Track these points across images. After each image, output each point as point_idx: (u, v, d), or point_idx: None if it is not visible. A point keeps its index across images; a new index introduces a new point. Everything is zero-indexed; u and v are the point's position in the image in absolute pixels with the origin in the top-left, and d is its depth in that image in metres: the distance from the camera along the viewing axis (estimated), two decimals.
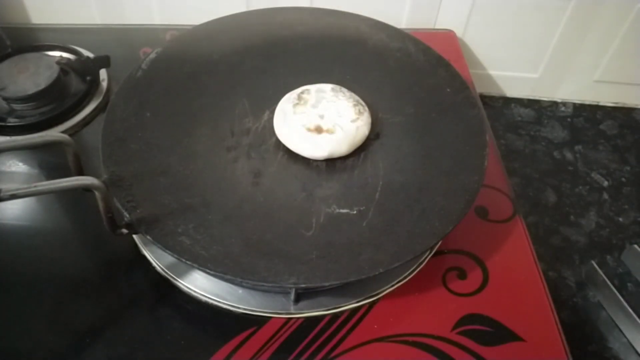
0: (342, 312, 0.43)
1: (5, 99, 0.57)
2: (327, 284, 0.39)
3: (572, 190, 0.63)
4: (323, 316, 0.42)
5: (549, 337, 0.41)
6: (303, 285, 0.38)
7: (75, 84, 0.60)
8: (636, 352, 0.47)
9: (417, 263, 0.45)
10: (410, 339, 0.41)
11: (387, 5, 0.69)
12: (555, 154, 0.68)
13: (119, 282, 0.45)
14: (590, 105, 0.74)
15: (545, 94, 0.75)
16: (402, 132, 0.50)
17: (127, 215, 0.41)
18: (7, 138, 0.53)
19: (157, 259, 0.45)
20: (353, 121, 0.47)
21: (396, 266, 0.39)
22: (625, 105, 0.74)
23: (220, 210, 0.43)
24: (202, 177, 0.45)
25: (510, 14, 0.68)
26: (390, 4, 0.70)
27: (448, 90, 0.52)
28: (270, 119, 0.50)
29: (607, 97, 0.74)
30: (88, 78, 0.60)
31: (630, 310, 0.48)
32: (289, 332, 0.41)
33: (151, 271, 0.45)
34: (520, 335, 0.41)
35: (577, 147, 0.68)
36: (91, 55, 0.62)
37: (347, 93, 0.50)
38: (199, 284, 0.43)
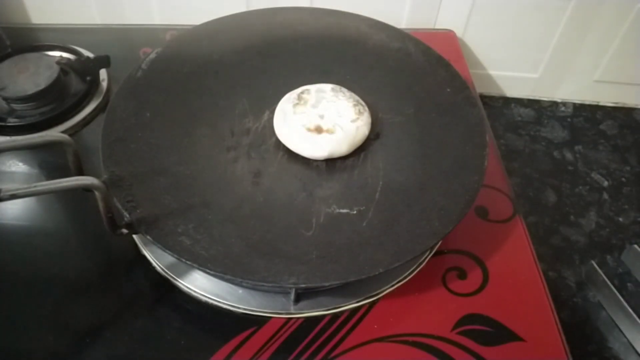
0: (342, 312, 0.43)
1: (5, 99, 0.57)
2: (327, 284, 0.39)
3: (572, 190, 0.63)
4: (323, 316, 0.42)
5: (549, 337, 0.41)
6: (303, 285, 0.38)
7: (75, 84, 0.60)
8: (636, 352, 0.47)
9: (417, 263, 0.45)
10: (410, 339, 0.41)
11: (387, 5, 0.69)
12: (555, 154, 0.68)
13: (119, 282, 0.45)
14: (590, 105, 0.74)
15: (545, 94, 0.75)
16: (402, 132, 0.50)
17: (127, 215, 0.41)
18: (7, 138, 0.53)
19: (157, 259, 0.45)
20: (353, 121, 0.47)
21: (396, 266, 0.39)
22: (625, 105, 0.74)
23: (220, 210, 0.43)
24: (202, 177, 0.45)
25: (510, 14, 0.68)
26: (390, 4, 0.70)
27: (448, 90, 0.52)
28: (270, 119, 0.50)
29: (607, 97, 0.74)
30: (88, 78, 0.60)
31: (630, 310, 0.48)
32: (289, 332, 0.41)
33: (151, 271, 0.45)
34: (520, 335, 0.41)
35: (577, 147, 0.68)
36: (91, 55, 0.62)
37: (347, 93, 0.50)
38: (199, 284, 0.43)
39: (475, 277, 0.45)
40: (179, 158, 0.46)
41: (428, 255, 0.46)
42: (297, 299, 0.42)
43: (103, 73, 0.62)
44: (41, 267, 0.45)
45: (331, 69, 0.55)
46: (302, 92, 0.49)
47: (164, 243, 0.39)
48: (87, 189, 0.38)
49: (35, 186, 0.36)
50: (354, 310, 0.43)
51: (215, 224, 0.42)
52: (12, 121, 0.56)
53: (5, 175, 0.53)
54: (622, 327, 0.49)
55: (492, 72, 0.75)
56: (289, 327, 0.42)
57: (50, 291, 0.44)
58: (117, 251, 0.47)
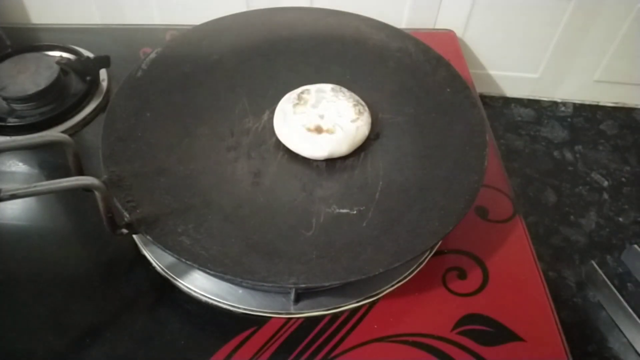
0: (342, 312, 0.43)
1: (5, 99, 0.57)
2: (327, 284, 0.39)
3: (572, 190, 0.63)
4: (323, 316, 0.42)
5: (549, 337, 0.41)
6: (303, 285, 0.38)
7: (75, 84, 0.60)
8: (636, 352, 0.47)
9: (417, 263, 0.45)
10: (410, 339, 0.41)
11: (387, 5, 0.69)
12: (555, 154, 0.68)
13: (119, 282, 0.45)
14: (590, 105, 0.74)
15: (545, 94, 0.75)
16: (402, 132, 0.50)
17: (127, 215, 0.41)
18: (7, 138, 0.53)
19: (157, 259, 0.45)
20: (353, 121, 0.47)
21: (396, 266, 0.39)
22: (625, 105, 0.74)
23: (220, 210, 0.43)
24: (202, 177, 0.45)
25: (510, 14, 0.68)
26: (390, 4, 0.70)
27: (448, 90, 0.52)
28: (270, 119, 0.50)
29: (607, 97, 0.74)
30: (88, 78, 0.60)
31: (630, 310, 0.48)
32: (289, 332, 0.41)
33: (151, 271, 0.45)
34: (520, 335, 0.41)
35: (577, 147, 0.68)
36: (91, 55, 0.62)
37: (347, 93, 0.50)
38: (199, 284, 0.43)
39: (475, 277, 0.45)
40: (179, 158, 0.46)
41: (428, 255, 0.46)
42: (297, 299, 0.42)
43: (103, 73, 0.62)
44: (41, 267, 0.45)
45: (331, 69, 0.55)
46: (302, 92, 0.49)
47: (164, 243, 0.39)
48: (87, 189, 0.38)
49: (35, 186, 0.36)
50: (354, 310, 0.43)
51: (215, 224, 0.42)
52: (12, 121, 0.56)
53: (5, 175, 0.53)
54: (622, 327, 0.49)
55: (492, 72, 0.75)
56: (289, 327, 0.42)
57: (50, 291, 0.44)
58: (117, 251, 0.47)
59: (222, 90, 0.53)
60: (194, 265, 0.38)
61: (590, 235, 0.58)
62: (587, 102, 0.75)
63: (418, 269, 0.45)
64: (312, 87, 0.50)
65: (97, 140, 0.46)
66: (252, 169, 0.46)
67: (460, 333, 0.41)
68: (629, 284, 0.53)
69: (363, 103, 0.49)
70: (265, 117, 0.51)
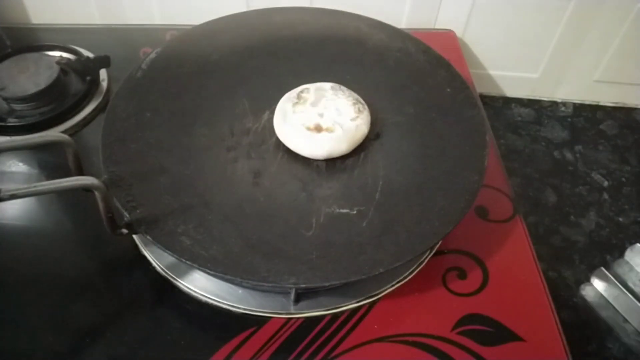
0: (342, 312, 0.43)
1: (5, 99, 0.57)
2: (327, 284, 0.39)
3: (572, 190, 0.63)
4: (323, 316, 0.42)
5: (549, 337, 0.41)
6: (303, 285, 0.38)
7: (75, 84, 0.60)
8: None
9: (417, 263, 0.45)
10: (410, 339, 0.41)
11: (387, 5, 0.69)
12: (555, 154, 0.68)
13: (119, 282, 0.45)
14: (590, 105, 0.74)
15: (545, 94, 0.75)
16: (402, 132, 0.50)
17: (127, 215, 0.41)
18: (7, 138, 0.53)
19: (157, 259, 0.45)
20: (353, 120, 0.47)
21: (396, 266, 0.39)
22: (625, 105, 0.74)
23: (220, 210, 0.43)
24: (202, 177, 0.45)
25: (510, 14, 0.68)
26: (390, 4, 0.70)
27: (448, 90, 0.52)
28: (270, 118, 0.50)
29: (607, 97, 0.74)
30: (88, 78, 0.60)
31: None
32: (289, 332, 0.41)
33: (151, 271, 0.45)
34: (520, 335, 0.41)
35: (577, 147, 0.68)
36: (91, 55, 0.62)
37: (347, 91, 0.50)
38: (199, 284, 0.43)
39: (475, 277, 0.45)
40: (179, 158, 0.46)
41: (428, 255, 0.46)
42: (297, 299, 0.42)
43: (103, 73, 0.62)
44: (41, 267, 0.45)
45: (331, 68, 0.55)
46: (301, 91, 0.49)
47: (164, 243, 0.39)
48: (87, 189, 0.38)
49: (35, 186, 0.36)
50: (354, 310, 0.43)
51: (215, 224, 0.42)
52: (12, 121, 0.56)
53: (5, 175, 0.53)
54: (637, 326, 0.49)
55: (492, 72, 0.75)
56: (289, 327, 0.42)
57: (50, 291, 0.44)
58: (117, 251, 0.47)
59: (222, 90, 0.53)
60: (194, 265, 0.38)
61: (590, 235, 0.58)
62: (587, 102, 0.75)
63: (418, 269, 0.45)
64: (312, 86, 0.50)
65: (97, 140, 0.46)
66: (252, 169, 0.46)
67: (460, 333, 0.41)
68: (629, 284, 0.53)
69: (362, 102, 0.49)
70: (265, 116, 0.50)
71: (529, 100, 0.75)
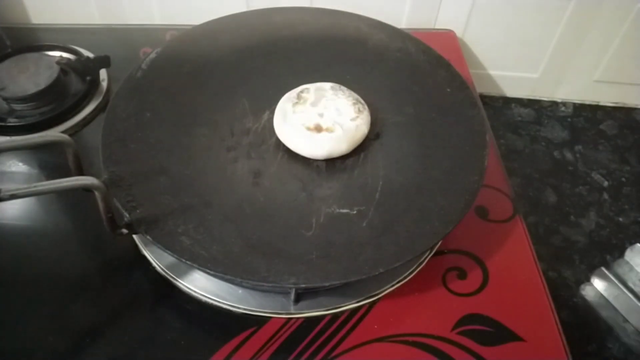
0: (342, 312, 0.43)
1: (5, 99, 0.57)
2: (327, 284, 0.39)
3: (572, 190, 0.63)
4: (323, 316, 0.42)
5: (549, 337, 0.41)
6: (303, 285, 0.38)
7: (75, 84, 0.60)
8: None
9: (417, 263, 0.45)
10: (410, 339, 0.41)
11: (387, 5, 0.69)
12: (555, 154, 0.68)
13: (119, 282, 0.45)
14: (590, 105, 0.74)
15: (545, 94, 0.75)
16: (402, 132, 0.50)
17: (127, 215, 0.41)
18: (7, 138, 0.53)
19: (157, 259, 0.45)
20: (352, 119, 0.47)
21: (396, 266, 0.39)
22: (625, 105, 0.74)
23: (220, 210, 0.43)
24: (202, 177, 0.45)
25: (510, 14, 0.68)
26: (390, 4, 0.70)
27: (448, 90, 0.52)
28: (270, 118, 0.50)
29: (607, 97, 0.74)
30: (88, 78, 0.60)
31: None
32: (289, 332, 0.41)
33: (151, 271, 0.45)
34: (520, 335, 0.41)
35: (577, 147, 0.68)
36: (91, 55, 0.62)
37: (347, 91, 0.50)
38: (199, 284, 0.43)
39: (475, 277, 0.45)
40: (179, 158, 0.46)
41: (428, 255, 0.46)
42: (297, 299, 0.42)
43: (103, 73, 0.62)
44: (41, 267, 0.45)
45: (331, 68, 0.55)
46: (301, 91, 0.49)
47: (164, 243, 0.39)
48: (87, 189, 0.38)
49: (35, 186, 0.36)
50: (354, 310, 0.43)
51: (215, 224, 0.42)
52: (12, 121, 0.56)
53: (5, 175, 0.53)
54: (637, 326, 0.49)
55: (492, 72, 0.75)
56: (289, 327, 0.42)
57: (51, 291, 0.44)
58: (117, 251, 0.47)
59: (222, 90, 0.53)
60: (194, 265, 0.38)
61: (590, 235, 0.58)
62: (587, 102, 0.75)
63: (418, 269, 0.45)
64: (312, 86, 0.50)
65: (97, 140, 0.46)
66: (252, 169, 0.46)
67: (460, 333, 0.41)
68: (630, 284, 0.53)
69: (362, 101, 0.49)
70: (265, 116, 0.50)
71: (529, 100, 0.75)
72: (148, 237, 0.40)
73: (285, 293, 0.43)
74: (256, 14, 0.61)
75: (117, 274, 0.46)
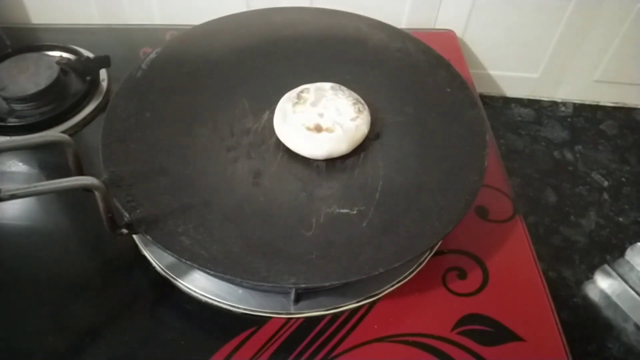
0: (342, 312, 0.43)
1: (5, 99, 0.57)
2: (327, 284, 0.38)
3: (572, 190, 0.63)
4: (323, 316, 0.42)
5: (549, 337, 0.41)
6: (303, 285, 0.38)
7: (75, 84, 0.60)
8: None
9: (417, 263, 0.45)
10: (410, 339, 0.41)
11: (387, 5, 0.69)
12: (555, 154, 0.68)
13: (119, 282, 0.45)
14: (590, 105, 0.74)
15: (545, 94, 0.75)
16: (402, 132, 0.50)
17: (127, 215, 0.41)
18: (7, 138, 0.53)
19: (157, 259, 0.45)
20: (353, 119, 0.47)
21: (396, 266, 0.39)
22: (625, 105, 0.74)
23: (220, 210, 0.43)
24: (202, 177, 0.45)
25: (510, 14, 0.68)
26: (390, 4, 0.70)
27: (448, 90, 0.52)
28: (270, 118, 0.50)
29: (607, 97, 0.74)
30: (88, 78, 0.60)
31: None
32: (289, 332, 0.41)
33: (151, 271, 0.45)
34: (520, 335, 0.41)
35: (577, 147, 0.68)
36: (91, 55, 0.62)
37: (347, 91, 0.50)
38: (199, 284, 0.43)
39: (475, 277, 0.45)
40: (179, 158, 0.46)
41: (428, 255, 0.46)
42: (297, 299, 0.42)
43: (103, 73, 0.62)
44: (41, 267, 0.45)
45: (331, 68, 0.55)
46: (301, 91, 0.49)
47: (164, 243, 0.39)
48: (87, 189, 0.38)
49: (35, 186, 0.36)
50: (354, 310, 0.43)
51: (215, 224, 0.42)
52: (12, 121, 0.56)
53: (5, 175, 0.53)
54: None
55: (492, 72, 0.75)
56: (289, 327, 0.42)
57: (50, 291, 0.44)
58: (117, 251, 0.47)
59: (222, 90, 0.53)
60: (194, 265, 0.38)
61: (590, 235, 0.58)
62: (587, 102, 0.75)
63: (418, 269, 0.45)
64: (312, 86, 0.50)
65: (97, 140, 0.46)
66: (252, 169, 0.46)
67: (460, 333, 0.41)
68: (630, 283, 0.53)
69: (362, 101, 0.49)
70: (265, 116, 0.50)
71: (529, 100, 0.75)
72: (148, 237, 0.40)
73: (285, 293, 0.43)
74: (256, 14, 0.61)
75: (117, 274, 0.46)
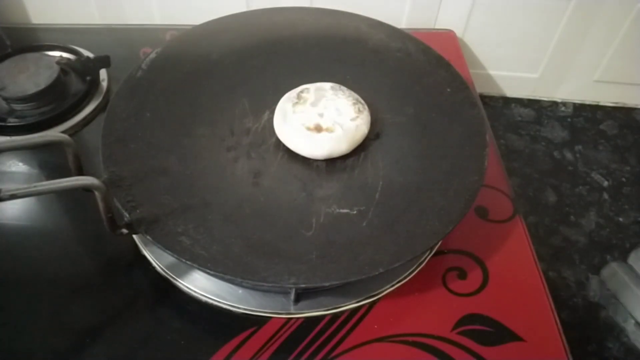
0: (342, 312, 0.43)
1: (5, 99, 0.57)
2: (327, 284, 0.38)
3: (572, 190, 0.63)
4: (323, 316, 0.42)
5: (549, 337, 0.41)
6: (303, 285, 0.38)
7: (75, 84, 0.60)
8: None
9: (417, 263, 0.45)
10: (410, 339, 0.41)
11: (387, 5, 0.69)
12: (555, 154, 0.68)
13: (119, 282, 0.45)
14: (590, 105, 0.74)
15: (545, 94, 0.75)
16: (402, 132, 0.50)
17: (127, 215, 0.41)
18: (7, 138, 0.53)
19: (157, 259, 0.45)
20: (353, 119, 0.47)
21: (396, 266, 0.39)
22: (625, 105, 0.74)
23: (220, 210, 0.43)
24: (202, 177, 0.45)
25: (510, 14, 0.68)
26: (390, 4, 0.70)
27: (448, 90, 0.52)
28: (270, 118, 0.50)
29: (607, 97, 0.74)
30: (88, 78, 0.60)
31: None
32: (289, 332, 0.41)
33: (151, 271, 0.45)
34: (520, 335, 0.41)
35: (577, 147, 0.68)
36: (91, 55, 0.62)
37: (347, 91, 0.50)
38: (199, 284, 0.43)
39: (475, 277, 0.45)
40: (179, 158, 0.46)
41: (428, 255, 0.46)
42: (297, 299, 0.42)
43: (103, 73, 0.62)
44: (41, 267, 0.45)
45: (331, 68, 0.55)
46: (301, 91, 0.49)
47: (164, 243, 0.39)
48: (87, 189, 0.38)
49: (35, 186, 0.36)
50: (354, 310, 0.43)
51: (215, 224, 0.42)
52: (12, 121, 0.56)
53: (5, 175, 0.53)
54: None
55: (492, 72, 0.75)
56: (289, 327, 0.42)
57: (50, 291, 0.44)
58: (117, 251, 0.47)
59: (222, 90, 0.53)
60: (194, 265, 0.38)
61: (590, 235, 0.59)
62: (587, 102, 0.75)
63: (418, 269, 0.45)
64: (312, 86, 0.50)
65: (97, 140, 0.46)
66: (252, 169, 0.46)
67: (460, 333, 0.41)
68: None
69: (362, 101, 0.49)
70: (265, 116, 0.50)
71: (529, 100, 0.75)
72: (148, 237, 0.40)
73: (285, 293, 0.43)
74: (256, 14, 0.61)
75: (117, 274, 0.46)
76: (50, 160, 0.54)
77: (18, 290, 0.44)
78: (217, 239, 0.40)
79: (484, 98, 0.75)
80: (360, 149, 0.48)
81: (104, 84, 0.61)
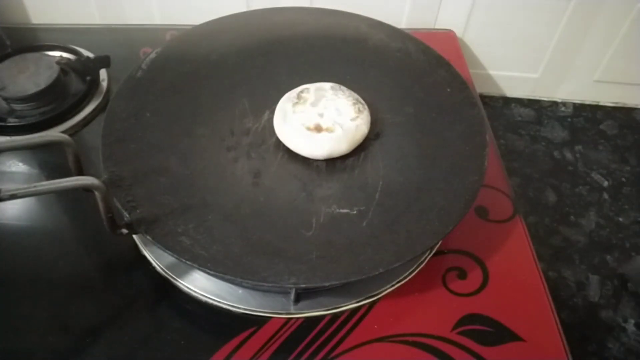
0: (342, 312, 0.43)
1: (5, 99, 0.57)
2: (327, 284, 0.38)
3: (572, 190, 0.63)
4: (323, 316, 0.42)
5: (549, 337, 0.41)
6: (303, 285, 0.38)
7: (75, 84, 0.60)
8: None
9: (417, 263, 0.45)
10: (410, 339, 0.41)
11: (387, 5, 0.69)
12: (555, 154, 0.68)
13: (119, 282, 0.45)
14: (590, 105, 0.74)
15: (545, 94, 0.75)
16: (402, 132, 0.49)
17: (127, 215, 0.41)
18: (7, 138, 0.53)
19: (157, 259, 0.45)
20: (353, 119, 0.47)
21: (396, 266, 0.39)
22: (625, 105, 0.74)
23: (220, 210, 0.43)
24: (202, 177, 0.45)
25: (510, 14, 0.68)
26: (390, 4, 0.70)
27: (448, 90, 0.52)
28: (270, 118, 0.50)
29: (607, 97, 0.74)
30: (88, 78, 0.60)
31: None
32: (289, 332, 0.41)
33: (151, 271, 0.45)
34: (520, 335, 0.41)
35: (577, 147, 0.68)
36: (91, 55, 0.62)
37: (347, 91, 0.50)
38: (199, 284, 0.43)
39: (475, 277, 0.45)
40: (179, 158, 0.46)
41: (428, 255, 0.46)
42: (297, 299, 0.42)
43: (103, 73, 0.62)
44: (41, 267, 0.45)
45: (331, 68, 0.55)
46: (301, 91, 0.49)
47: (164, 243, 0.39)
48: (87, 189, 0.38)
49: (35, 186, 0.36)
50: (354, 310, 0.43)
51: (215, 224, 0.42)
52: (12, 121, 0.56)
53: (5, 175, 0.53)
54: None
55: (492, 72, 0.75)
56: (289, 327, 0.42)
57: (51, 291, 0.44)
58: (117, 251, 0.47)
59: (222, 90, 0.53)
60: (194, 265, 0.38)
61: (590, 235, 0.59)
62: (587, 102, 0.75)
63: (418, 269, 0.45)
64: (312, 86, 0.50)
65: (97, 140, 0.46)
66: (252, 169, 0.46)
67: (460, 333, 0.41)
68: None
69: (362, 101, 0.49)
70: (265, 116, 0.51)
71: (529, 100, 0.75)
72: (148, 237, 0.40)
73: (285, 293, 0.43)
74: (256, 14, 0.61)
75: (117, 274, 0.46)
76: (50, 160, 0.54)
77: (18, 290, 0.44)
78: (217, 238, 0.40)
79: (483, 98, 0.75)
80: (360, 149, 0.48)
81: (104, 84, 0.61)
